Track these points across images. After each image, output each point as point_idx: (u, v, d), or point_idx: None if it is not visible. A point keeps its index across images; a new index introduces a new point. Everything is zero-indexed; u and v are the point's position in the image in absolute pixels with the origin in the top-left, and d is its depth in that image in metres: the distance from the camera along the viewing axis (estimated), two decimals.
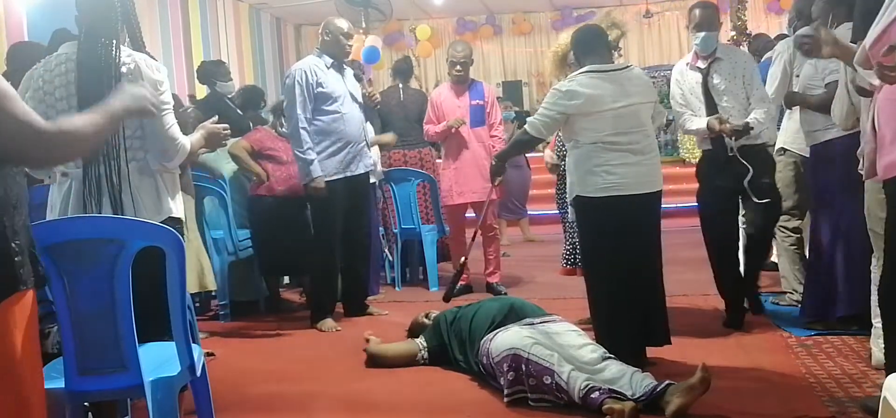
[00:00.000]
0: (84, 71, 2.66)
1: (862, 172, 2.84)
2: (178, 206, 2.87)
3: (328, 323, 4.78)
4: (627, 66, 3.82)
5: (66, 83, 2.69)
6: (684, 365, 3.46)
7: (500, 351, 3.28)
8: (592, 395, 2.97)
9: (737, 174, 4.13)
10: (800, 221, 4.57)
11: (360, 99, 4.92)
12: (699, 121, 4.16)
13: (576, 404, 3.03)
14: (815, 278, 4.06)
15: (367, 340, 4.01)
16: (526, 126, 3.78)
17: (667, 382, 2.97)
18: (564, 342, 3.26)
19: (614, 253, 3.52)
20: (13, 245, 1.68)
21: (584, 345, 3.25)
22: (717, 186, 4.21)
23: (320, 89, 4.69)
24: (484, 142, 5.50)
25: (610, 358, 3.19)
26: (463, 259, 4.60)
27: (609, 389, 2.98)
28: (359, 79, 5.40)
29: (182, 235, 2.86)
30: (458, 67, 5.51)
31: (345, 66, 4.94)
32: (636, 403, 2.90)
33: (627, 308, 3.52)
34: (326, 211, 4.78)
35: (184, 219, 2.96)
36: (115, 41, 2.67)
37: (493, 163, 4.06)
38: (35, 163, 1.74)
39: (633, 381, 3.02)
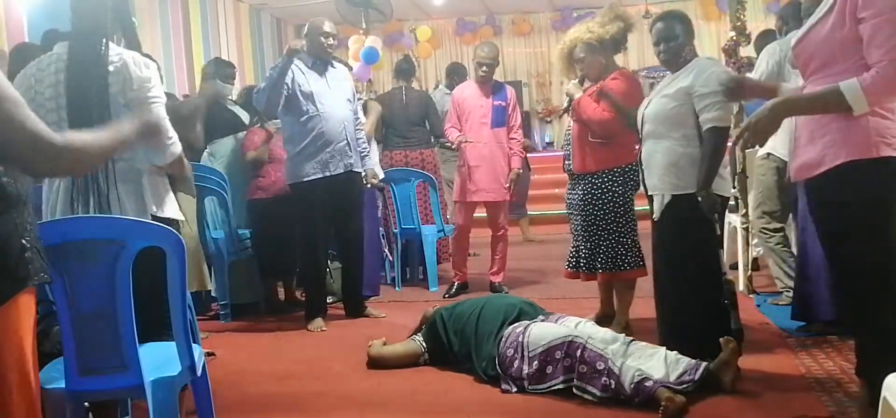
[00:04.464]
0: (73, 70, 2.65)
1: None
2: (169, 207, 2.83)
3: (316, 323, 4.80)
4: None
5: (56, 83, 2.67)
6: None
7: (547, 340, 3.32)
8: (647, 385, 3.05)
9: None
10: (780, 224, 4.59)
11: (349, 97, 4.92)
12: None
13: (606, 400, 3.11)
14: (800, 280, 4.07)
15: (370, 345, 3.97)
16: (716, 124, 3.28)
17: (704, 365, 3.15)
18: (588, 332, 3.36)
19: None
20: (24, 242, 1.70)
21: (604, 333, 3.36)
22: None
23: (299, 89, 4.73)
24: (502, 143, 5.51)
25: (632, 340, 3.32)
26: None
27: (661, 381, 3.09)
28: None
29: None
30: (484, 68, 5.52)
31: (334, 65, 4.95)
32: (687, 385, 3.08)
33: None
34: (307, 211, 4.80)
35: (181, 219, 2.94)
36: (104, 40, 2.66)
37: (704, 193, 3.30)
38: (39, 173, 1.76)
39: (668, 361, 3.19)
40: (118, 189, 2.68)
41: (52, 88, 2.68)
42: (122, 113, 2.66)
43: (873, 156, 2.39)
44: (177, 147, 2.79)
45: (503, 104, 5.53)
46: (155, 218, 2.72)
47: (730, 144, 3.72)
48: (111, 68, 2.65)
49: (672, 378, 3.13)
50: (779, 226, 4.58)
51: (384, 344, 3.95)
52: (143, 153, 2.74)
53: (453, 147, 5.62)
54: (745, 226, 5.11)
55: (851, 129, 2.39)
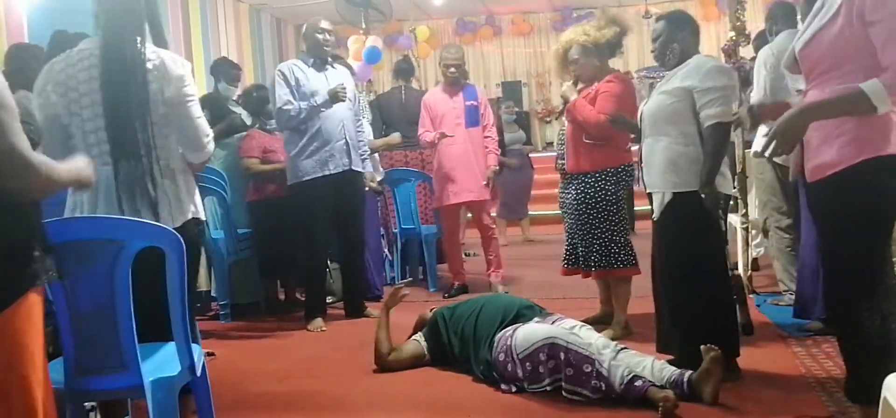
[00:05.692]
0: (109, 68, 2.61)
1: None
2: (199, 207, 2.86)
3: (316, 323, 4.81)
4: None
5: (89, 79, 2.64)
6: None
7: (531, 342, 3.30)
8: (636, 384, 3.05)
9: None
10: (791, 220, 4.52)
11: (349, 97, 4.92)
12: None
13: (602, 399, 3.10)
14: (801, 279, 4.06)
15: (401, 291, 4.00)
16: (718, 120, 3.25)
17: (688, 373, 3.09)
18: (580, 335, 3.33)
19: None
20: (33, 241, 1.70)
21: (598, 338, 3.32)
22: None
23: (299, 88, 4.75)
24: (477, 143, 5.51)
25: (624, 348, 3.27)
26: None
27: (650, 381, 3.08)
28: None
29: (203, 235, 2.87)
30: (452, 69, 5.53)
31: (334, 66, 4.96)
32: (676, 392, 3.02)
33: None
34: (308, 210, 4.81)
35: (205, 218, 2.95)
36: (139, 38, 2.63)
37: (707, 189, 3.27)
38: (11, 190, 1.69)
39: (654, 370, 3.14)
40: (164, 189, 2.67)
41: (86, 84, 2.64)
42: (161, 110, 2.66)
43: (893, 153, 2.40)
44: (212, 145, 2.83)
45: (475, 104, 5.55)
46: (193, 218, 2.76)
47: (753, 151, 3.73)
48: (150, 66, 2.63)
49: (663, 384, 3.10)
50: (790, 223, 4.52)
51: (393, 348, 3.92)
52: (181, 152, 2.76)
53: (436, 143, 5.53)
54: (744, 226, 5.10)
55: (870, 127, 2.39)
